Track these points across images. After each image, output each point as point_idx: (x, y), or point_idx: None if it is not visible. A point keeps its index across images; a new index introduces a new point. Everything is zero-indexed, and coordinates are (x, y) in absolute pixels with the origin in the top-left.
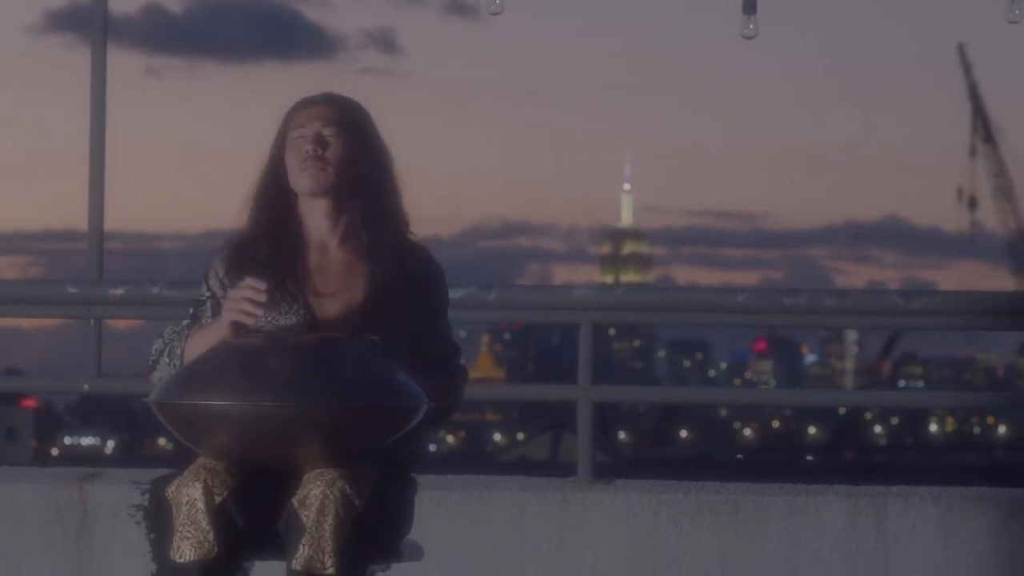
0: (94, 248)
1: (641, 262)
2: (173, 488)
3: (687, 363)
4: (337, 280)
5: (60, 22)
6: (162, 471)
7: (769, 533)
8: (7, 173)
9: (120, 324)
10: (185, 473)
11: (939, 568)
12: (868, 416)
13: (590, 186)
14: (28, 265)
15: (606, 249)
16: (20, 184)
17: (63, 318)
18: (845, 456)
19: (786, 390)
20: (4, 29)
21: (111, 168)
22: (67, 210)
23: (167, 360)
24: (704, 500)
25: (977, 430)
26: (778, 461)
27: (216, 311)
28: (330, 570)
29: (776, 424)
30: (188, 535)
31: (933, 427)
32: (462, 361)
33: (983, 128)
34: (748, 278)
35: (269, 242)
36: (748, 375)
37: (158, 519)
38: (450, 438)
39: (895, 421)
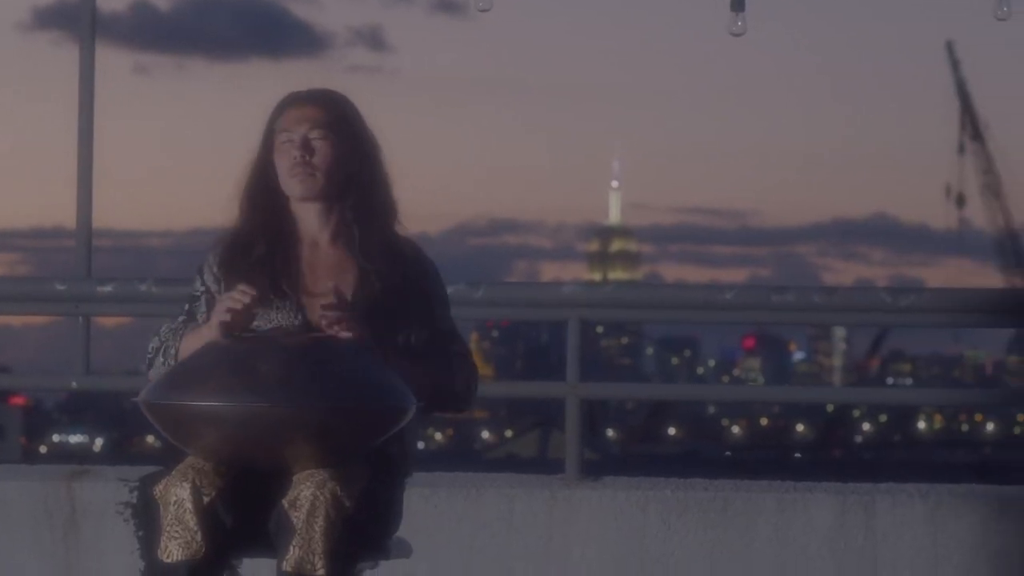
0: (82, 245)
1: (629, 259)
2: (161, 487)
3: (675, 360)
4: (329, 277)
5: (48, 19)
6: (150, 469)
7: (757, 530)
8: None
9: (108, 322)
10: (173, 473)
11: (927, 565)
12: (856, 413)
13: (578, 183)
14: (16, 263)
15: (594, 246)
16: (8, 181)
17: (51, 315)
18: (833, 453)
19: (774, 387)
20: None
21: (99, 165)
22: (55, 207)
23: (162, 360)
24: (692, 497)
25: (965, 427)
26: (766, 458)
27: (211, 306)
28: (320, 571)
29: (764, 421)
30: (176, 535)
31: (921, 424)
32: (461, 348)
33: (971, 125)
34: (736, 275)
35: (264, 242)
36: (736, 372)
37: (146, 517)
38: (438, 435)
39: (883, 418)
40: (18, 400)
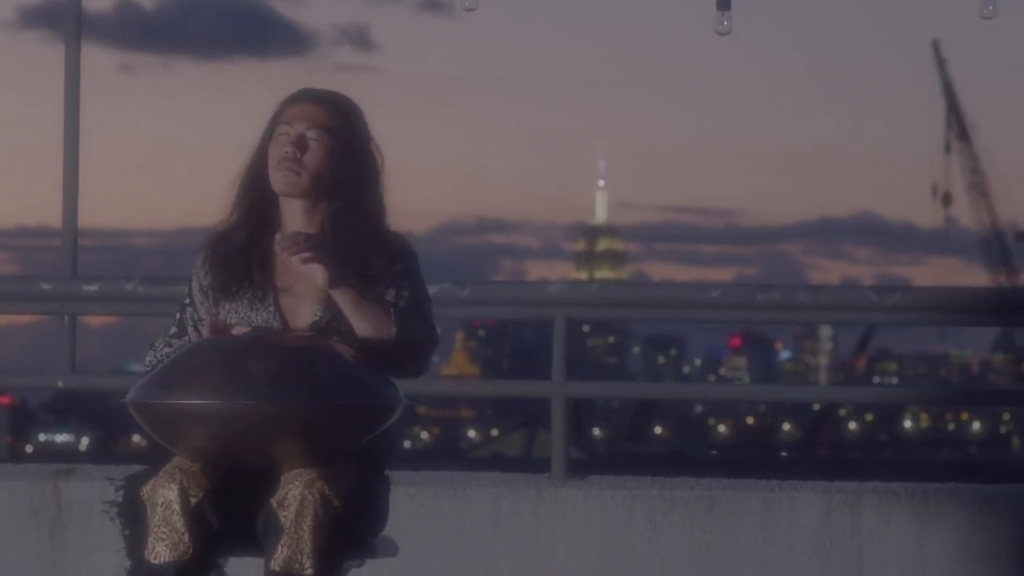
0: (68, 244)
1: (615, 258)
2: (148, 488)
3: (661, 359)
4: (302, 278)
5: (34, 19)
6: (136, 468)
7: (743, 529)
8: None
9: (94, 320)
10: (160, 474)
11: (913, 563)
12: (842, 412)
13: (565, 182)
14: (1, 262)
15: (580, 245)
16: None
17: (37, 314)
18: (819, 452)
19: (760, 386)
20: None
21: (85, 164)
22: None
23: None
24: (678, 496)
25: (951, 426)
26: (752, 457)
27: (193, 321)
28: (308, 571)
29: (750, 420)
30: (163, 536)
31: (907, 423)
32: (426, 320)
33: (957, 124)
34: (723, 274)
35: (246, 232)
36: (723, 371)
37: (132, 516)
38: (424, 434)
39: (869, 417)
40: (3, 399)
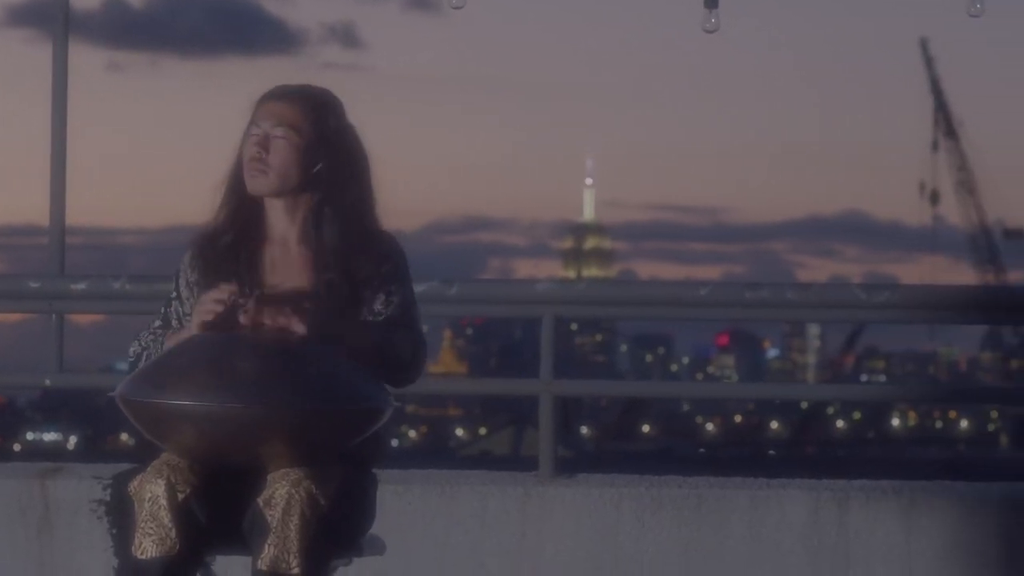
0: (55, 243)
1: (603, 257)
2: (136, 484)
3: (649, 358)
4: (292, 277)
5: (21, 17)
6: (124, 466)
7: (731, 527)
8: None
9: (82, 319)
10: (148, 469)
11: (900, 561)
12: (830, 410)
13: (552, 181)
14: None
15: (568, 244)
16: None
17: (25, 313)
18: (807, 450)
19: (748, 384)
20: None
21: (72, 163)
22: (28, 205)
23: (144, 364)
24: (666, 494)
25: (939, 424)
26: (740, 455)
27: (178, 315)
28: (295, 570)
29: (738, 419)
30: (150, 531)
31: (895, 421)
32: (416, 329)
33: (945, 122)
34: (710, 272)
35: (232, 234)
36: (710, 369)
37: (120, 514)
38: (412, 433)
39: (857, 415)
40: None
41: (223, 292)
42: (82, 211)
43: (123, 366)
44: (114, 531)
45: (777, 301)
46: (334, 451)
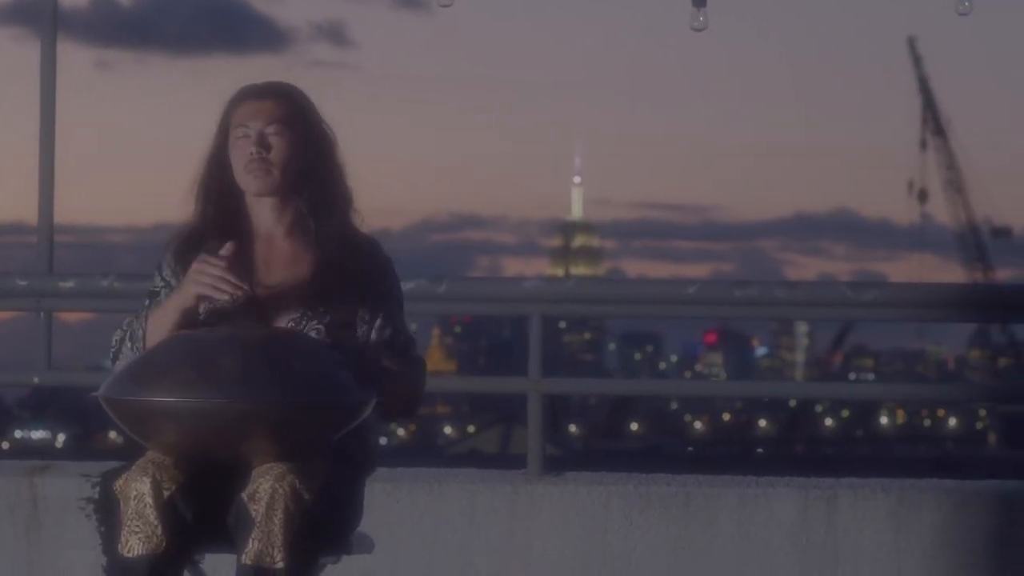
0: (44, 241)
1: (591, 255)
2: (121, 482)
3: (638, 356)
4: (283, 271)
5: (9, 15)
6: (112, 464)
7: (719, 525)
8: None
9: (70, 317)
10: (133, 467)
11: (889, 559)
12: (819, 409)
13: (540, 179)
14: None
15: (556, 242)
16: None
17: (13, 311)
18: (796, 449)
19: (736, 382)
20: None
21: (60, 161)
22: (16, 203)
23: (129, 345)
24: (654, 492)
25: (927, 423)
26: (729, 454)
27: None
28: (280, 564)
29: (727, 417)
30: (136, 529)
31: (884, 420)
32: (418, 353)
33: (933, 121)
34: (699, 271)
35: (217, 237)
36: (699, 368)
37: (108, 512)
38: (400, 431)
39: (846, 414)
40: None
41: (221, 260)
42: (70, 209)
43: (108, 362)
44: (102, 529)
45: (765, 299)
46: (318, 446)
